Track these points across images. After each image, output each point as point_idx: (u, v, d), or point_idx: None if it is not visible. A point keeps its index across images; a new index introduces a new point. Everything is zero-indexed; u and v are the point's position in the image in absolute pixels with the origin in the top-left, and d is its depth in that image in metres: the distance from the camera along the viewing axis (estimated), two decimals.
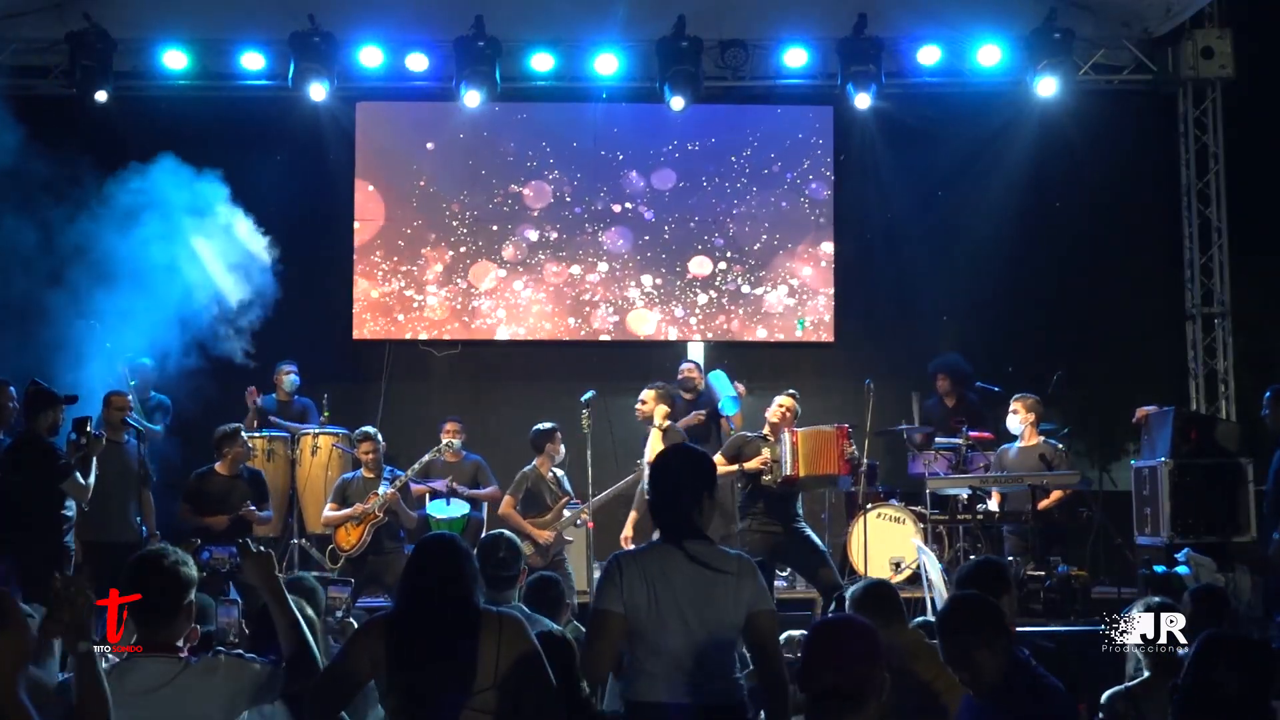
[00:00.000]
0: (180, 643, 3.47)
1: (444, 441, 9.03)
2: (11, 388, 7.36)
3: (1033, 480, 8.46)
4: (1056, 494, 8.68)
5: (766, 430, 7.77)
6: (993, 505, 8.89)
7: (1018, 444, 8.89)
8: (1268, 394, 7.85)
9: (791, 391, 8.01)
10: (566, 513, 8.50)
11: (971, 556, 8.71)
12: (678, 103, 10.16)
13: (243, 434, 8.40)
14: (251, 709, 3.54)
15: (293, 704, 3.63)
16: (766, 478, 7.59)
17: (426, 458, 8.80)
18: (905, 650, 4.13)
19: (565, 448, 8.71)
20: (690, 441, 7.42)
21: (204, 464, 8.32)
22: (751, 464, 7.62)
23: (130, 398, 8.20)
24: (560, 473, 8.78)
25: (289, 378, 9.78)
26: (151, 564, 3.48)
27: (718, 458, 7.78)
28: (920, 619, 5.55)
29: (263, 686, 3.46)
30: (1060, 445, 8.91)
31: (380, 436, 8.78)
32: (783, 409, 7.80)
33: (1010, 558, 8.25)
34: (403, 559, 7.32)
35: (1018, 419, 8.78)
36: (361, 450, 8.65)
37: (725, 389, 9.32)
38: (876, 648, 3.03)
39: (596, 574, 8.57)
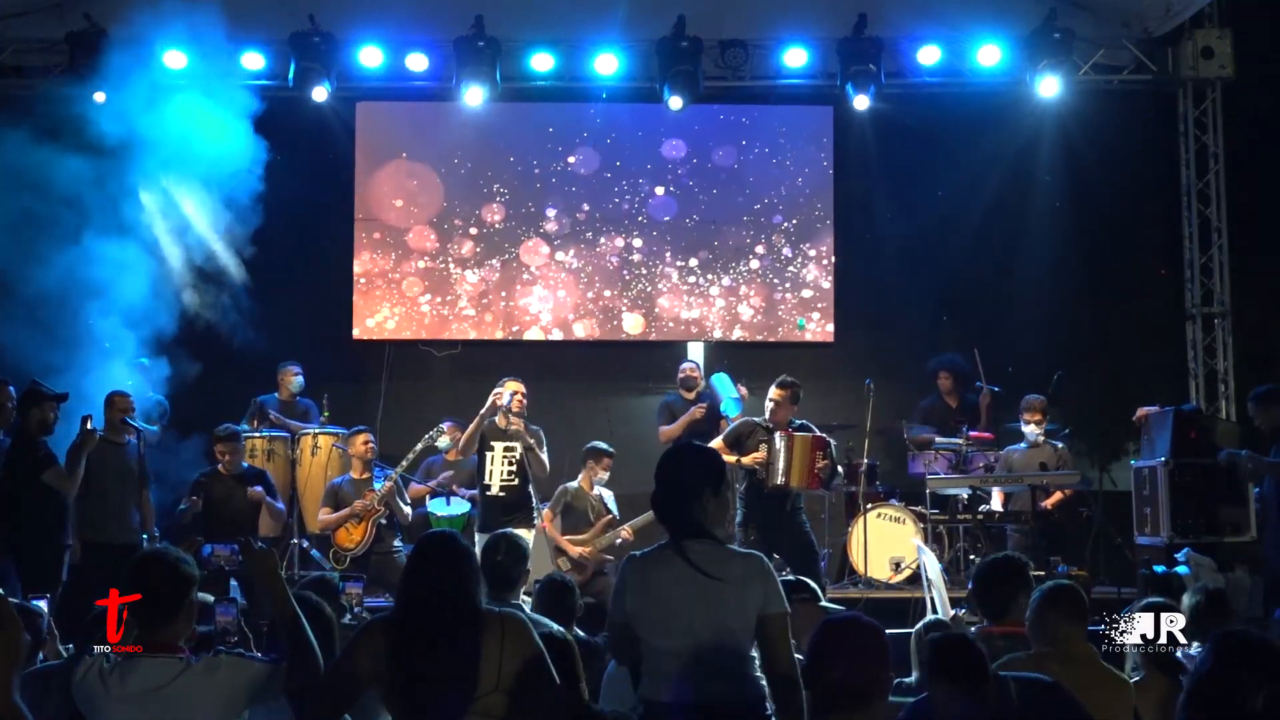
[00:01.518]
0: (181, 642, 3.47)
1: (436, 431, 8.96)
2: (11, 387, 7.38)
3: (1033, 480, 8.47)
4: (1058, 495, 8.67)
5: (768, 419, 7.76)
6: (996, 505, 8.88)
7: (1025, 445, 8.88)
8: (1250, 400, 7.86)
9: (783, 380, 7.86)
10: (610, 531, 8.53)
11: (972, 556, 8.74)
12: (676, 102, 10.18)
13: (236, 438, 8.38)
14: (254, 707, 3.54)
15: (295, 702, 3.62)
16: (759, 476, 7.61)
17: (420, 446, 8.77)
18: (1074, 660, 3.91)
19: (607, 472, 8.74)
20: (690, 438, 7.43)
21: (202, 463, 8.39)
22: (748, 459, 7.64)
23: (130, 398, 8.20)
24: (608, 493, 8.76)
25: (296, 379, 9.76)
26: (153, 563, 3.48)
27: (717, 442, 7.78)
28: (931, 618, 5.55)
29: (264, 685, 3.46)
30: (1060, 445, 8.91)
31: (373, 436, 8.80)
32: (772, 404, 7.78)
33: None
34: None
35: (1035, 428, 8.79)
36: (358, 441, 8.64)
37: (728, 391, 9.29)
38: (883, 647, 3.02)
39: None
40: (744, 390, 9.40)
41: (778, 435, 7.61)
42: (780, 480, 7.56)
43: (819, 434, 7.85)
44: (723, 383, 9.34)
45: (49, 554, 7.10)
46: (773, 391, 7.81)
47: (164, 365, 9.11)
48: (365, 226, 11.08)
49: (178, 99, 9.22)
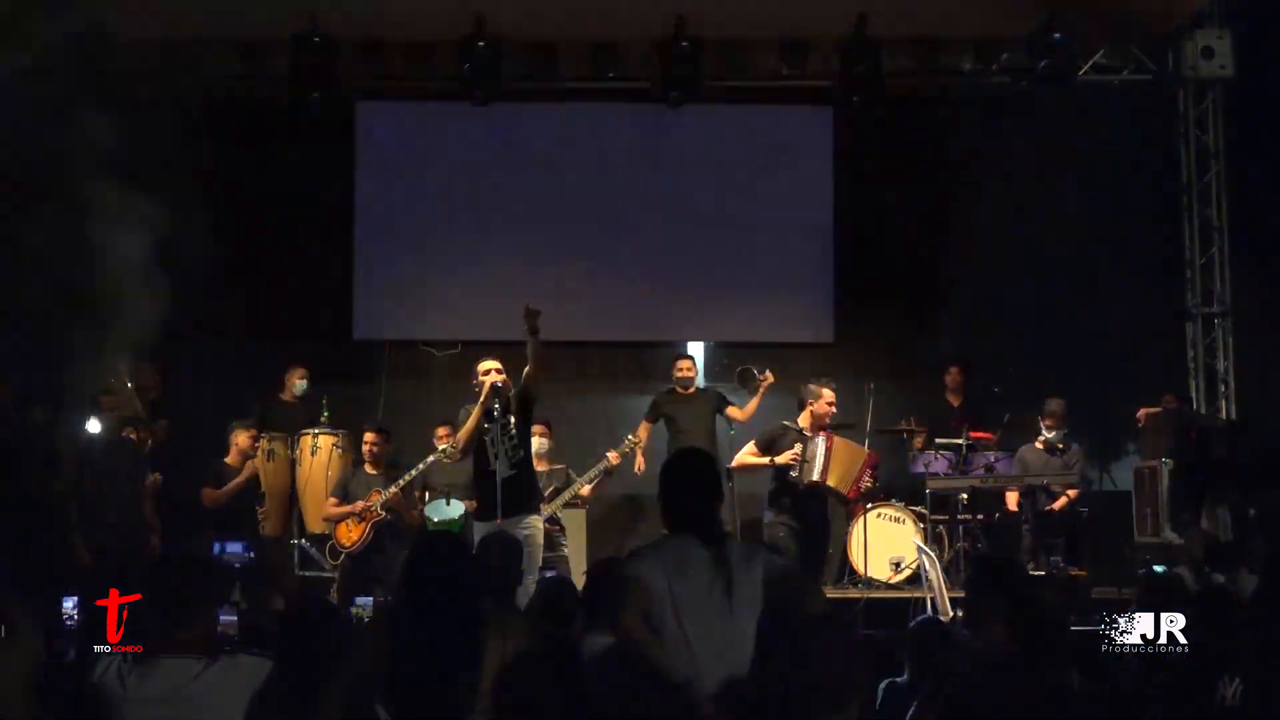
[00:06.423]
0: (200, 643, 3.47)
1: (441, 448, 8.91)
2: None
3: (1032, 480, 8.47)
4: (1063, 500, 8.65)
5: (803, 423, 7.78)
6: (1011, 505, 8.87)
7: (1038, 445, 8.85)
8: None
9: (823, 383, 8.05)
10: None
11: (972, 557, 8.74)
12: (675, 100, 10.16)
13: (241, 429, 8.40)
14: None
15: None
16: (794, 474, 7.64)
17: (432, 459, 8.74)
18: None
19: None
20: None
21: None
22: (782, 458, 7.68)
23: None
24: (554, 467, 8.75)
25: (300, 382, 9.70)
26: (175, 563, 3.48)
27: (750, 447, 7.83)
28: (922, 616, 5.56)
29: (281, 685, 3.46)
30: (1075, 446, 8.88)
31: (388, 434, 8.76)
32: (812, 415, 7.87)
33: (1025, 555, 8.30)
34: None
35: (1059, 434, 8.76)
36: (366, 440, 8.64)
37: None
38: (858, 649, 3.01)
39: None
40: (770, 375, 8.98)
41: (820, 436, 7.66)
42: (816, 477, 7.60)
43: (872, 452, 7.91)
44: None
45: (45, 555, 7.10)
46: (805, 412, 7.93)
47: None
48: (365, 227, 11.08)
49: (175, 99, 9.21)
